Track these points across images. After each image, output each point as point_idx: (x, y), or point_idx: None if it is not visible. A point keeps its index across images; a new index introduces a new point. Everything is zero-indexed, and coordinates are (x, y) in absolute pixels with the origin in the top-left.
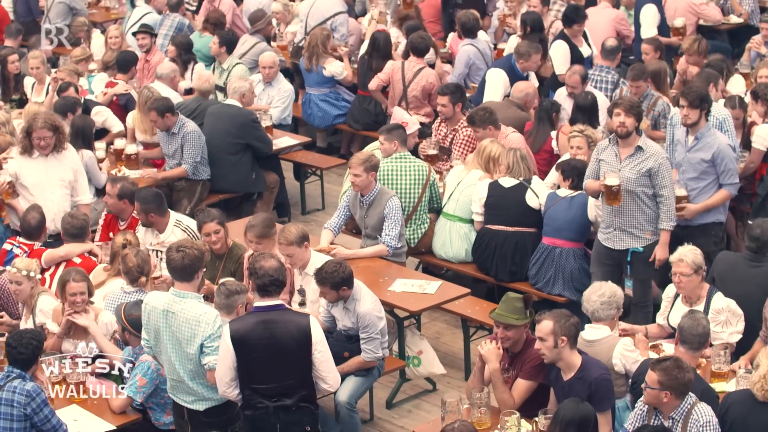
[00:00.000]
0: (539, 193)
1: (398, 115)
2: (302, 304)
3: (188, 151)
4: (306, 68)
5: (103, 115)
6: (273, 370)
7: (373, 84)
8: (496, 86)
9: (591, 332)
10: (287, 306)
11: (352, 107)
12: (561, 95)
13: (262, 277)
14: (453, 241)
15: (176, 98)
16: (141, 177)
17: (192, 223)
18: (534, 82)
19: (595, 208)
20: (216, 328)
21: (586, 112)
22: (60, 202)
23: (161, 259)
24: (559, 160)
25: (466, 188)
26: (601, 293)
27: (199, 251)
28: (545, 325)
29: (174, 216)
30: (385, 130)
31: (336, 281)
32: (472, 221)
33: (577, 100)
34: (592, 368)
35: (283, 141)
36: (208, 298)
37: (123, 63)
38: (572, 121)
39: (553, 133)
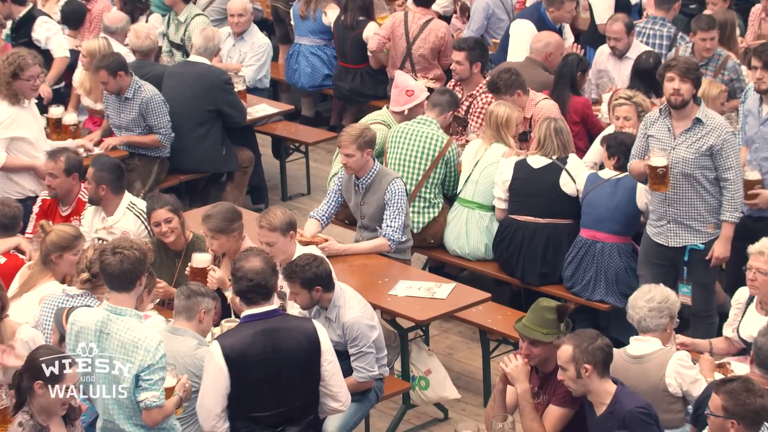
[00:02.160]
0: (577, 174)
1: (401, 80)
2: (284, 309)
3: (156, 119)
4: (301, 14)
5: (50, 29)
6: (278, 391)
7: (373, 43)
8: (522, 42)
9: (638, 346)
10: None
11: (336, 79)
12: (603, 54)
13: (240, 281)
14: (470, 233)
15: (129, 56)
16: (106, 145)
17: (142, 206)
18: (569, 36)
19: (645, 194)
20: (158, 357)
21: (646, 77)
22: None
23: None
24: (603, 133)
25: (487, 167)
26: (650, 298)
27: (140, 252)
28: (564, 351)
29: (128, 197)
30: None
31: (307, 277)
32: (493, 208)
33: (638, 62)
34: (625, 400)
35: (259, 109)
36: (165, 303)
37: (72, 16)
38: (632, 89)
39: (605, 96)
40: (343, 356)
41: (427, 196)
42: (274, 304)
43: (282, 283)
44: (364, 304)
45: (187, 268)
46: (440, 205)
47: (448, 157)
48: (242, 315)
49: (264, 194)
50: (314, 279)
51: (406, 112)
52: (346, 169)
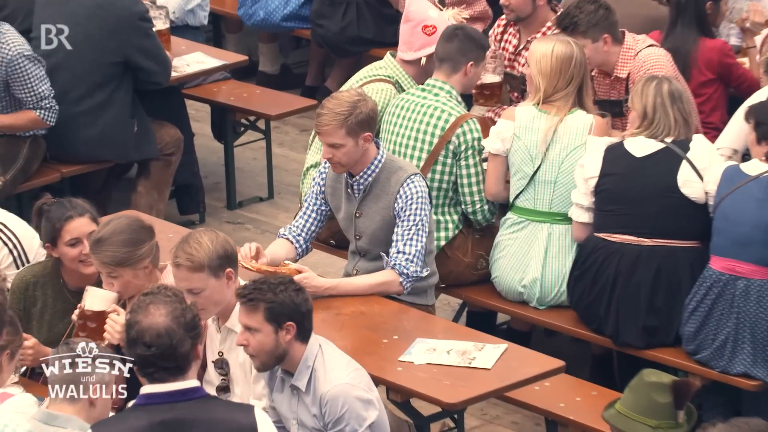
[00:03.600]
0: (705, 168)
1: (417, 9)
2: (224, 389)
3: (28, 89)
4: None
5: None
6: None
7: None
8: None
9: None
10: (207, 391)
11: (315, 15)
12: None
13: (133, 345)
14: (551, 262)
15: None
16: None
17: (10, 220)
18: None
19: None
20: None
21: None
22: None
23: None
24: (748, 102)
25: (570, 153)
26: None
27: (1, 293)
28: None
29: None
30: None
31: (277, 303)
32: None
33: None
34: None
35: (191, 61)
36: (37, 373)
37: None
38: None
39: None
40: None
41: (433, 210)
42: (190, 379)
43: (221, 346)
44: (355, 369)
45: (75, 313)
46: (452, 227)
47: (458, 145)
48: (140, 392)
49: (198, 198)
50: (287, 308)
51: (423, 61)
52: (332, 167)
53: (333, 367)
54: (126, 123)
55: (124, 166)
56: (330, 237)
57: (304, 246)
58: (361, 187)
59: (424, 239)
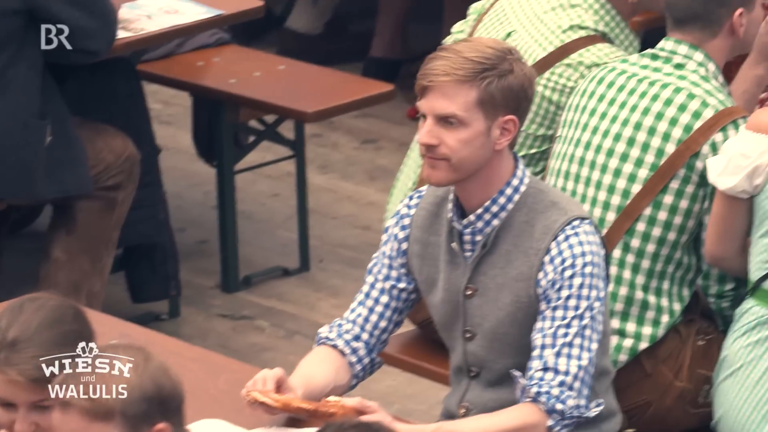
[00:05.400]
0: None
1: None
2: None
3: None
4: None
5: None
6: None
7: None
8: None
9: None
10: None
11: None
12: None
13: None
14: None
15: None
16: None
17: None
18: None
19: None
20: None
21: None
22: None
23: None
24: None
25: None
26: None
27: None
28: None
29: None
30: None
31: None
32: None
33: None
34: None
35: (155, 9)
36: None
37: None
38: None
39: None
40: None
41: (643, 281)
42: None
43: None
44: None
45: None
46: (667, 320)
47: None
48: None
49: (167, 272)
50: None
51: None
52: (428, 168)
53: None
54: (29, 127)
55: (26, 210)
56: (427, 316)
57: (367, 360)
58: (478, 237)
59: (593, 346)
